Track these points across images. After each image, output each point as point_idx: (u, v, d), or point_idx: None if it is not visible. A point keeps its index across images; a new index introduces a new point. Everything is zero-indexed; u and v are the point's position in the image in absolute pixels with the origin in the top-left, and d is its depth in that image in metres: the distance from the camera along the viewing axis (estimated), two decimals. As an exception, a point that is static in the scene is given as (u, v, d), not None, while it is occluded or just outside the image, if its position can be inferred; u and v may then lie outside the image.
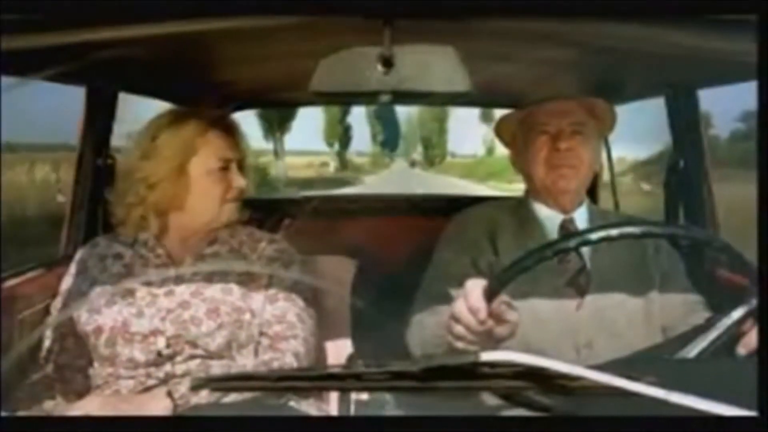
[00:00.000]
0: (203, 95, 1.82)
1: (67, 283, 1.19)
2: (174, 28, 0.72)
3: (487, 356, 0.60)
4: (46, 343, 1.16)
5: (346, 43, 1.20)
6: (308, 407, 1.14)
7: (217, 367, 1.11)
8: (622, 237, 0.83)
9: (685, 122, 1.56)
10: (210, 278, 1.14)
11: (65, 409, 1.07)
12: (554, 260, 1.08)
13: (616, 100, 1.63)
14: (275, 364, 1.10)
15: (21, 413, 1.04)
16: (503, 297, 0.86)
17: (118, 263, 1.17)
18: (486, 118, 34.32)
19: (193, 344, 1.10)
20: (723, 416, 0.56)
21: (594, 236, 0.83)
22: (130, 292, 1.13)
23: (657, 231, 0.91)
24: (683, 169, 1.58)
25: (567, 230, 1.20)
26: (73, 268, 1.20)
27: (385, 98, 1.97)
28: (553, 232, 1.20)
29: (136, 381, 1.09)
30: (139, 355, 1.09)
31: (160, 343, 1.09)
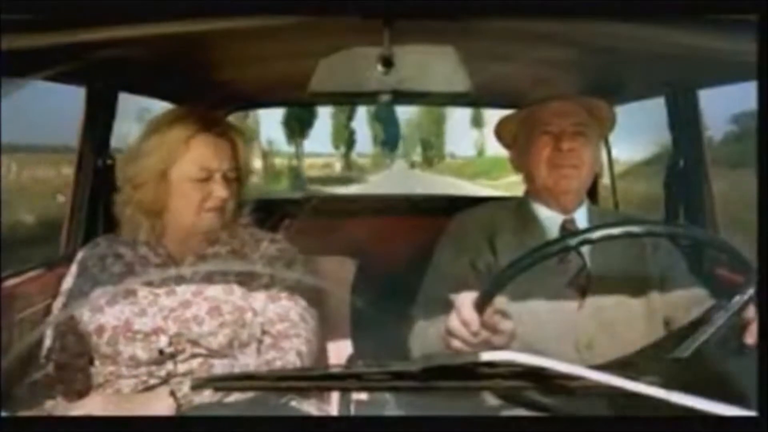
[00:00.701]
0: (203, 95, 1.83)
1: (67, 283, 1.19)
2: (174, 28, 0.72)
3: (487, 356, 0.60)
4: (47, 342, 1.16)
5: (346, 43, 1.20)
6: (308, 407, 1.14)
7: (219, 366, 1.11)
8: (623, 236, 0.83)
9: (685, 122, 1.57)
10: (211, 278, 1.14)
11: (66, 408, 1.07)
12: (554, 260, 1.08)
13: (616, 100, 1.63)
14: (278, 363, 1.10)
15: (21, 413, 1.04)
16: (498, 306, 0.86)
17: (119, 263, 1.17)
18: (477, 123, 36.47)
19: (195, 343, 1.10)
20: (723, 416, 0.56)
21: (595, 235, 0.83)
22: (132, 292, 1.13)
23: (658, 230, 0.91)
24: (683, 169, 1.58)
25: (567, 230, 1.20)
26: (73, 269, 1.20)
27: (385, 98, 1.98)
28: (553, 232, 1.20)
29: (138, 380, 1.09)
30: (141, 354, 1.09)
31: (162, 341, 1.10)
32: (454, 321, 0.85)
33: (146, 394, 1.07)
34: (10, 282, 1.28)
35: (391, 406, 0.86)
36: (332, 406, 1.21)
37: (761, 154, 0.64)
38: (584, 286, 1.14)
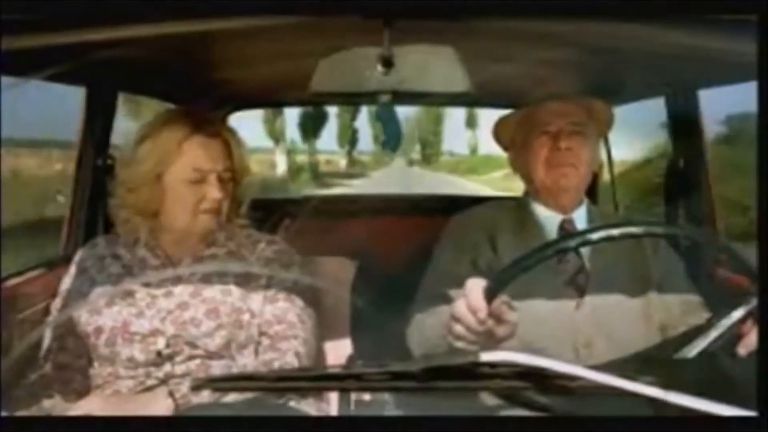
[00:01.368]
0: (203, 95, 1.82)
1: (66, 283, 1.19)
2: (174, 28, 0.72)
3: (487, 356, 0.60)
4: (46, 342, 1.16)
5: (346, 43, 1.20)
6: (308, 407, 1.14)
7: (217, 368, 1.11)
8: (623, 237, 0.83)
9: (685, 122, 1.56)
10: (209, 279, 1.14)
11: (64, 408, 1.07)
12: (553, 260, 1.08)
13: (617, 100, 1.63)
14: (276, 364, 1.10)
15: (21, 413, 1.04)
16: (503, 297, 0.86)
17: (116, 264, 1.17)
18: (470, 124, 38.93)
19: (193, 345, 1.10)
20: (723, 416, 0.56)
21: (595, 236, 0.83)
22: (130, 293, 1.13)
23: (658, 231, 0.91)
24: (683, 169, 1.58)
25: (566, 230, 1.20)
26: (72, 269, 1.20)
27: (385, 98, 1.98)
28: (552, 232, 1.20)
29: (136, 381, 1.09)
30: (139, 355, 1.09)
31: (160, 343, 1.10)
32: (461, 306, 0.85)
33: (145, 395, 1.07)
34: (10, 282, 1.28)
35: (391, 406, 0.86)
36: (332, 406, 1.21)
37: (761, 154, 0.64)
38: (583, 286, 1.14)
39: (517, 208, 1.25)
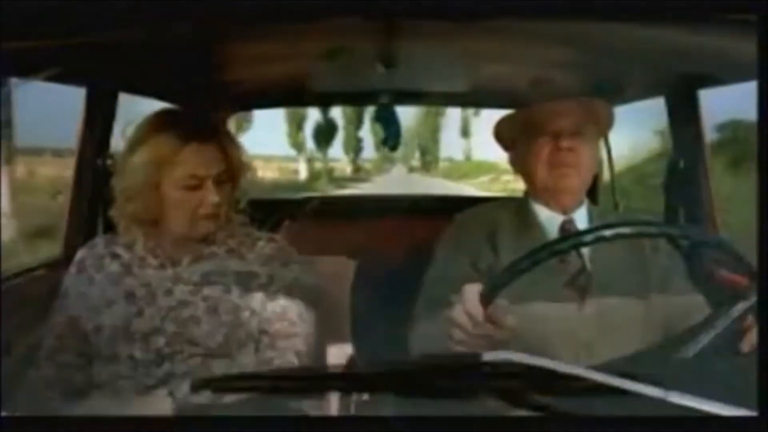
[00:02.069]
0: (203, 96, 1.82)
1: (66, 283, 1.20)
2: (174, 29, 0.72)
3: (487, 356, 0.60)
4: (47, 342, 1.16)
5: (346, 43, 1.20)
6: (308, 407, 1.14)
7: (217, 366, 1.11)
8: (615, 237, 0.83)
9: (685, 122, 1.56)
10: (209, 278, 1.14)
11: (65, 408, 1.07)
12: (554, 261, 1.08)
13: (617, 100, 1.63)
14: (276, 363, 1.10)
15: (21, 413, 1.04)
16: (501, 301, 0.86)
17: (116, 263, 1.17)
18: (465, 133, 42.04)
19: (193, 343, 1.10)
20: (723, 416, 0.56)
21: (588, 238, 0.83)
22: (130, 293, 1.13)
23: (651, 231, 0.91)
24: (683, 169, 1.58)
25: (567, 231, 1.20)
26: (72, 269, 1.21)
27: (385, 98, 1.97)
28: (552, 232, 1.20)
29: (136, 381, 1.09)
30: (140, 354, 1.09)
31: (160, 341, 1.10)
32: (458, 312, 0.85)
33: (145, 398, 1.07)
34: (10, 282, 1.28)
35: (391, 406, 0.86)
36: (332, 406, 1.21)
37: (761, 154, 0.64)
38: (584, 286, 1.14)
39: (518, 209, 1.25)
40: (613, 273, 1.15)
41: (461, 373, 0.60)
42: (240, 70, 1.58)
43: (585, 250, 1.15)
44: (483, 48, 1.26)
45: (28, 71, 0.92)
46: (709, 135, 1.60)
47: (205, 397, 1.02)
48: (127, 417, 0.95)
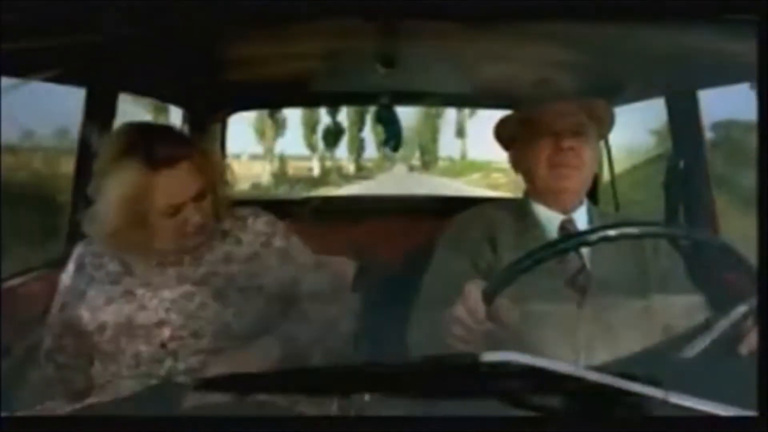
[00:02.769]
0: (203, 96, 1.82)
1: (65, 281, 1.19)
2: (174, 29, 0.72)
3: (487, 356, 0.60)
4: (46, 342, 1.16)
5: (346, 43, 1.20)
6: (308, 407, 1.14)
7: (220, 364, 1.10)
8: (619, 238, 0.83)
9: (685, 122, 1.56)
10: (215, 270, 1.15)
11: (66, 408, 1.07)
12: (554, 260, 1.08)
13: (617, 100, 1.63)
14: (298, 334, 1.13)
15: (20, 413, 1.04)
16: (503, 300, 0.86)
17: (114, 261, 1.17)
18: (460, 134, 45.25)
19: (197, 335, 1.10)
20: (723, 416, 0.56)
21: (592, 237, 0.83)
22: (130, 291, 1.13)
23: (655, 231, 0.91)
24: (683, 169, 1.58)
25: (567, 231, 1.20)
26: (70, 267, 1.20)
27: (385, 98, 1.97)
28: (552, 232, 1.20)
29: (137, 381, 1.09)
30: (144, 349, 1.09)
31: (165, 333, 1.09)
32: (460, 309, 0.85)
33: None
34: (11, 282, 1.28)
35: (391, 406, 0.86)
36: (332, 406, 1.21)
37: (761, 154, 0.64)
38: (584, 286, 1.14)
39: (518, 209, 1.25)
40: (613, 273, 1.15)
41: (461, 373, 0.60)
42: (239, 70, 1.58)
43: (585, 250, 1.15)
44: (483, 48, 1.26)
45: (28, 71, 0.92)
46: (709, 135, 1.60)
47: (205, 397, 1.02)
48: (128, 417, 0.95)
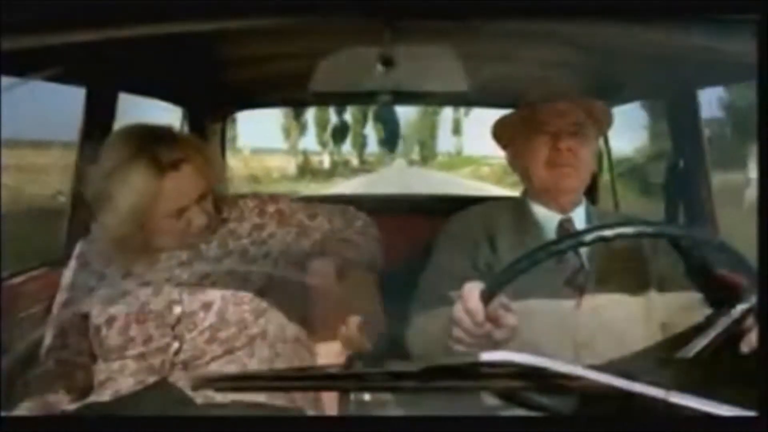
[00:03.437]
0: (203, 96, 1.82)
1: (68, 278, 1.19)
2: (174, 28, 0.72)
3: (487, 356, 0.60)
4: (48, 339, 1.16)
5: (346, 43, 1.20)
6: (308, 407, 1.14)
7: (227, 362, 1.11)
8: (615, 237, 0.83)
9: (685, 122, 1.56)
10: (226, 245, 1.18)
11: (68, 405, 1.07)
12: (553, 260, 1.08)
13: (617, 100, 1.63)
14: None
15: (23, 411, 1.04)
16: (502, 300, 0.86)
17: (124, 260, 1.17)
18: (456, 131, 48.34)
19: (207, 306, 1.11)
20: (723, 416, 0.56)
21: (588, 237, 0.83)
22: (143, 280, 1.14)
23: (651, 231, 0.91)
24: (683, 169, 1.58)
25: (565, 230, 1.20)
26: (73, 263, 1.20)
27: (385, 98, 1.97)
28: (551, 232, 1.20)
29: (137, 380, 1.09)
30: (153, 332, 1.10)
31: (176, 312, 1.11)
32: (458, 310, 0.85)
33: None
34: (11, 281, 1.28)
35: (391, 406, 0.86)
36: (332, 406, 1.21)
37: (761, 154, 0.64)
38: (582, 285, 1.14)
39: (516, 208, 1.25)
40: (612, 272, 1.15)
41: (461, 373, 0.60)
42: (239, 70, 1.58)
43: (583, 249, 1.15)
44: (483, 48, 1.26)
45: (28, 71, 0.92)
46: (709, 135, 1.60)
47: (205, 397, 1.02)
48: (128, 417, 0.95)
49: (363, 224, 1.32)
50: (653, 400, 0.56)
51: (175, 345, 1.10)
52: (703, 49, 0.85)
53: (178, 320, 1.11)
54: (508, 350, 0.66)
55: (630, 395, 0.57)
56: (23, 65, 0.87)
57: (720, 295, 1.09)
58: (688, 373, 0.79)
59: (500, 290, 0.84)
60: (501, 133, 1.29)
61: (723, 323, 0.85)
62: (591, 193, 1.80)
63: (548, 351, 1.03)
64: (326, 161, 35.05)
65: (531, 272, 0.84)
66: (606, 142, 1.93)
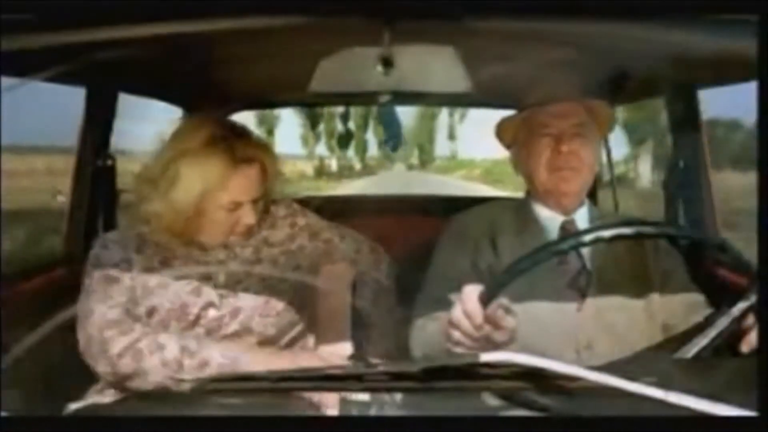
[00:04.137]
0: (203, 96, 1.82)
1: (101, 270, 1.15)
2: (174, 28, 0.72)
3: (487, 357, 0.60)
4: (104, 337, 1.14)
5: (346, 43, 1.20)
6: (308, 407, 1.14)
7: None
8: (614, 238, 0.83)
9: (685, 122, 1.56)
10: (259, 251, 1.20)
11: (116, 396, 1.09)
12: (554, 261, 1.08)
13: (617, 100, 1.63)
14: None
15: (21, 413, 1.04)
16: (501, 302, 0.86)
17: (161, 254, 1.16)
18: (452, 137, 51.59)
19: (235, 314, 1.13)
20: (723, 416, 0.56)
21: (587, 238, 0.83)
22: (183, 275, 1.14)
23: (650, 231, 0.91)
24: (683, 169, 1.58)
25: (567, 231, 1.20)
26: (97, 275, 1.14)
27: (385, 98, 1.97)
28: (553, 233, 1.20)
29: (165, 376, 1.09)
30: (189, 332, 1.11)
31: (212, 313, 1.12)
32: (457, 312, 0.85)
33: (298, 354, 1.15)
34: (11, 282, 1.28)
35: (391, 406, 0.86)
36: (332, 406, 1.21)
37: (761, 154, 0.64)
38: (584, 286, 1.14)
39: (518, 209, 1.25)
40: (613, 273, 1.15)
41: (461, 374, 0.60)
42: (240, 70, 1.58)
43: (585, 250, 1.15)
44: (483, 48, 1.26)
45: (28, 71, 0.92)
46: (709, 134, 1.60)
47: (205, 397, 1.02)
48: (128, 417, 0.95)
49: (387, 266, 1.37)
50: (653, 400, 0.56)
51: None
52: (703, 48, 0.85)
53: (210, 322, 1.12)
54: (509, 351, 0.66)
55: (630, 395, 0.57)
56: (23, 65, 0.87)
57: (720, 296, 1.09)
58: (688, 373, 0.79)
59: (500, 292, 0.84)
60: (503, 134, 1.29)
61: (723, 323, 0.85)
62: (591, 193, 1.80)
63: (550, 352, 1.03)
64: (333, 164, 38.02)
65: (534, 274, 0.85)
66: (606, 142, 1.93)
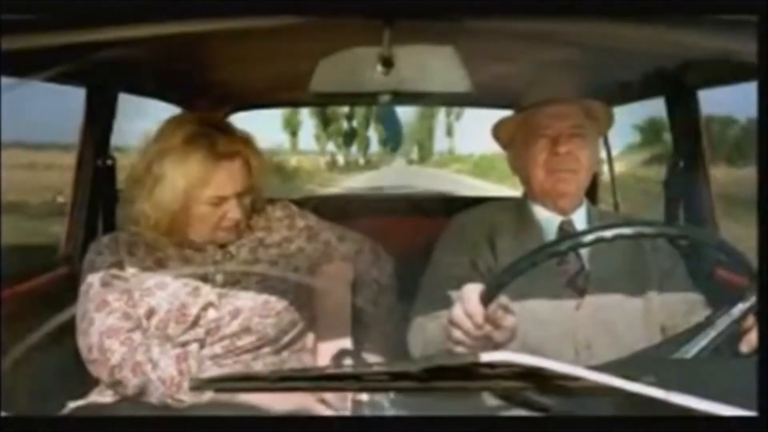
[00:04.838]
0: (203, 96, 1.82)
1: (97, 276, 1.16)
2: (174, 29, 0.72)
3: (486, 357, 0.60)
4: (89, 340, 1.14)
5: (346, 43, 1.20)
6: (308, 407, 1.14)
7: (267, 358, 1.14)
8: (614, 238, 0.83)
9: (685, 122, 1.56)
10: (255, 252, 1.20)
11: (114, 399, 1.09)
12: (553, 261, 1.08)
13: (617, 100, 1.63)
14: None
15: (21, 413, 1.04)
16: (502, 301, 0.86)
17: (153, 254, 1.17)
18: (449, 133, 54.25)
19: (237, 312, 1.13)
20: (723, 416, 0.56)
21: (587, 238, 0.83)
22: (179, 275, 1.15)
23: (650, 231, 0.91)
24: (683, 169, 1.58)
25: (565, 232, 1.20)
26: (94, 278, 1.16)
27: (385, 98, 1.97)
28: (551, 233, 1.20)
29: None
30: (189, 332, 1.11)
31: (211, 314, 1.12)
32: (458, 312, 0.85)
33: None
34: (11, 283, 1.28)
35: (391, 406, 0.86)
36: (332, 406, 1.21)
37: (761, 154, 0.64)
38: (583, 286, 1.14)
39: (517, 210, 1.25)
40: (613, 273, 1.15)
41: (461, 373, 0.60)
42: (239, 70, 1.58)
43: (584, 250, 1.15)
44: (483, 48, 1.26)
45: (28, 71, 0.92)
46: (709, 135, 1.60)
47: (205, 397, 1.02)
48: (128, 417, 0.95)
49: (388, 266, 1.39)
50: (653, 400, 0.56)
51: (197, 346, 1.11)
52: (703, 49, 0.85)
53: (209, 323, 1.12)
54: (508, 350, 0.66)
55: (630, 395, 0.57)
56: (23, 65, 0.87)
57: (720, 295, 1.09)
58: (688, 373, 0.79)
59: (499, 292, 0.84)
60: (501, 134, 1.29)
61: (723, 323, 0.85)
62: (591, 193, 1.80)
63: (549, 352, 1.04)
64: (341, 160, 40.07)
65: (533, 274, 0.85)
66: (606, 142, 1.93)
